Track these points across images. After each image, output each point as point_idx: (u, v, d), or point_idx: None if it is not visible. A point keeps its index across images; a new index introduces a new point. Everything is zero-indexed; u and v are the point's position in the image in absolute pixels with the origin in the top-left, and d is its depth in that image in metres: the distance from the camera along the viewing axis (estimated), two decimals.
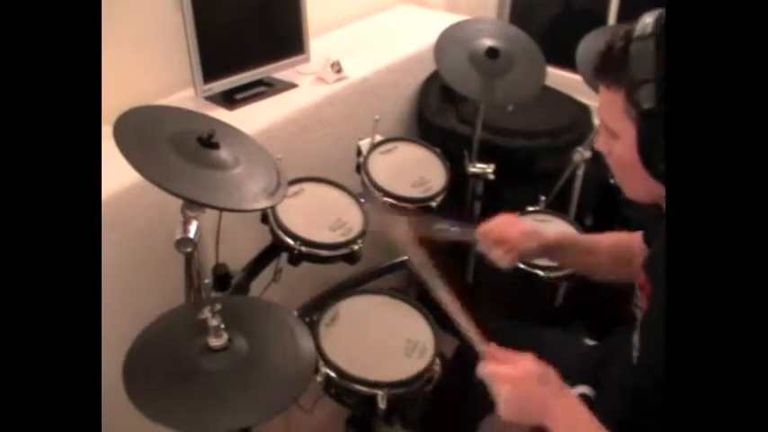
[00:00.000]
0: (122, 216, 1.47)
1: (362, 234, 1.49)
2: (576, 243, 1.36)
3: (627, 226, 1.92)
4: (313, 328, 1.36)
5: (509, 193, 2.00)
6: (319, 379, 1.30)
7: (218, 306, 1.08)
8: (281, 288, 1.60)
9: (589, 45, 1.76)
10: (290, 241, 1.41)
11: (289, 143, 1.82)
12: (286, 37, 1.96)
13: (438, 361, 1.35)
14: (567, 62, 1.80)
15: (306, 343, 1.15)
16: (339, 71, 1.98)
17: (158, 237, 1.47)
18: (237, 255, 1.56)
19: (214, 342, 1.08)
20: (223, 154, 1.20)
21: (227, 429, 1.03)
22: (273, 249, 1.54)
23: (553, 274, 1.59)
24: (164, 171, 1.09)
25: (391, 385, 1.26)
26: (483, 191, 1.96)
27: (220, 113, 1.76)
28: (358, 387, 1.27)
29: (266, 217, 1.46)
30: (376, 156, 1.72)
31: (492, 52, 1.78)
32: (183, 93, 1.82)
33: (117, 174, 1.24)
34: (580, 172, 1.87)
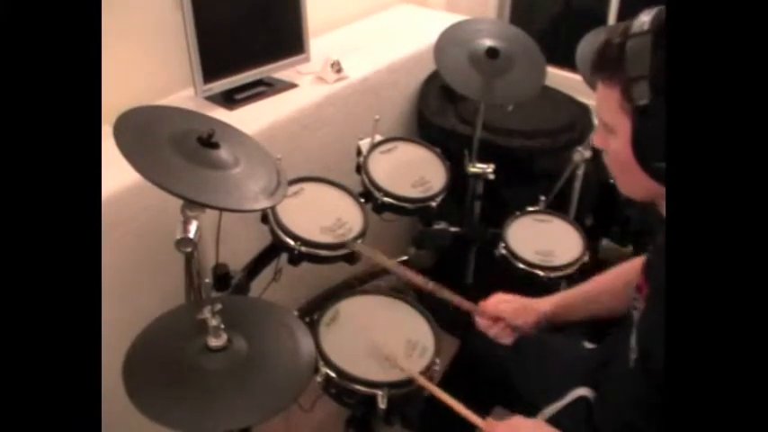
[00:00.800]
0: (122, 216, 1.47)
1: (362, 234, 1.50)
2: (573, 303, 1.33)
3: (627, 226, 1.93)
4: (313, 327, 1.36)
5: (509, 193, 2.00)
6: (319, 379, 1.29)
7: (218, 306, 1.08)
8: (281, 288, 1.60)
9: (589, 45, 1.76)
10: (290, 241, 1.41)
11: (289, 143, 1.82)
12: (286, 37, 1.96)
13: (438, 361, 1.35)
14: (567, 62, 1.80)
15: (306, 343, 1.15)
16: (339, 71, 1.98)
17: (158, 236, 1.47)
18: (237, 255, 1.56)
19: (214, 342, 1.08)
20: (223, 154, 1.20)
21: (227, 429, 1.03)
22: (273, 249, 1.54)
23: (553, 275, 1.59)
24: (164, 171, 1.08)
25: (391, 385, 1.26)
26: (483, 191, 1.96)
27: (220, 113, 1.76)
28: (358, 387, 1.27)
29: (266, 217, 1.46)
30: (376, 155, 1.72)
31: (492, 52, 1.78)
32: (183, 93, 1.82)
33: (117, 174, 1.24)
34: (580, 172, 1.87)
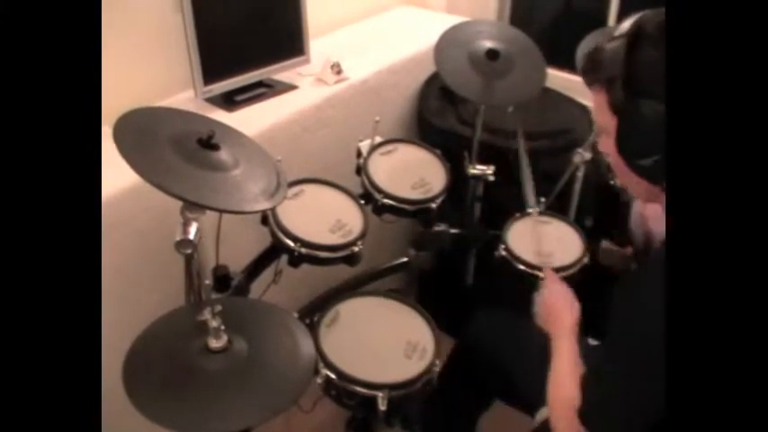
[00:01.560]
0: (122, 217, 1.47)
1: (362, 236, 1.49)
2: None
3: (626, 227, 1.93)
4: (313, 329, 1.36)
5: (509, 195, 2.00)
6: (319, 380, 1.30)
7: (219, 307, 1.08)
8: (282, 289, 1.60)
9: (589, 46, 1.75)
10: (290, 243, 1.41)
11: (289, 145, 1.82)
12: (286, 38, 1.96)
13: (438, 362, 1.35)
14: (567, 63, 1.80)
15: (306, 344, 1.15)
16: (339, 72, 1.99)
17: (158, 238, 1.47)
18: (237, 256, 1.56)
19: (214, 343, 1.08)
20: (223, 155, 1.20)
21: (227, 430, 1.02)
22: (273, 251, 1.54)
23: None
24: (164, 172, 1.08)
25: (391, 387, 1.26)
26: (483, 192, 1.96)
27: (220, 115, 1.76)
28: (358, 388, 1.27)
29: (266, 218, 1.46)
30: (376, 157, 1.72)
31: (492, 53, 1.78)
32: (183, 94, 1.82)
33: (117, 175, 1.24)
34: (580, 173, 1.87)
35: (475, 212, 1.99)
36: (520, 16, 2.82)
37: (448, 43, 1.81)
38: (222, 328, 1.08)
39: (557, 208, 1.85)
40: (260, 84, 1.92)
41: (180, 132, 1.19)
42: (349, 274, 1.69)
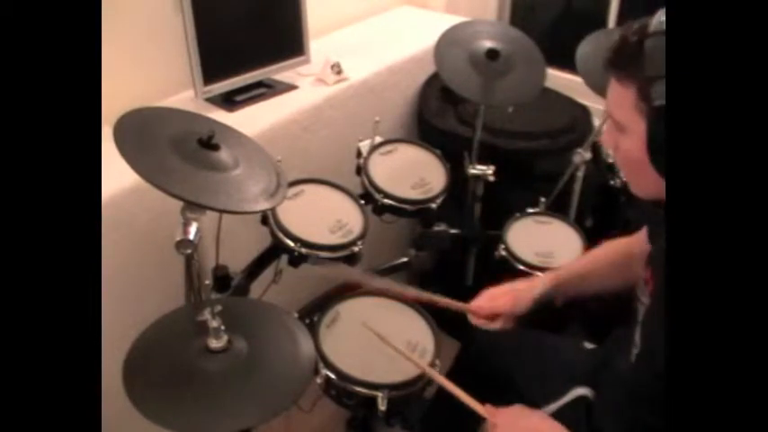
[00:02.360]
0: (122, 217, 1.47)
1: (362, 236, 1.50)
2: (568, 279, 1.35)
3: (627, 228, 1.93)
4: (313, 329, 1.36)
5: (509, 195, 2.00)
6: (319, 380, 1.29)
7: (219, 307, 1.08)
8: (282, 289, 1.60)
9: (589, 47, 1.76)
10: (291, 243, 1.41)
11: (289, 145, 1.82)
12: (286, 38, 1.96)
13: (438, 363, 1.35)
14: (567, 64, 1.80)
15: (306, 344, 1.15)
16: (339, 72, 1.99)
17: (158, 238, 1.47)
18: (238, 256, 1.56)
19: (214, 343, 1.08)
20: (223, 155, 1.20)
21: (227, 430, 1.02)
22: (273, 251, 1.54)
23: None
24: (164, 173, 1.09)
25: (391, 387, 1.26)
26: (483, 192, 1.96)
27: (220, 115, 1.76)
28: (358, 389, 1.27)
29: (266, 218, 1.46)
30: (376, 157, 1.72)
31: (492, 54, 1.78)
32: (183, 94, 1.82)
33: (117, 175, 1.24)
34: (580, 173, 1.87)
35: (475, 212, 1.99)
36: (520, 16, 2.82)
37: (448, 43, 1.81)
38: (222, 328, 1.08)
39: (557, 208, 1.85)
40: (260, 84, 1.92)
41: (180, 132, 1.19)
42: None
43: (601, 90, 1.51)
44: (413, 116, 2.33)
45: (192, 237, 1.15)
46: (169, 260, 1.27)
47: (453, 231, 1.88)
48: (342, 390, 1.28)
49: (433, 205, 1.66)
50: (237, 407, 1.02)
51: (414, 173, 1.73)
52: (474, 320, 1.36)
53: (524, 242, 1.68)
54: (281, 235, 1.43)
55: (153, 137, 1.15)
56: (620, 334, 1.18)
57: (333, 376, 1.28)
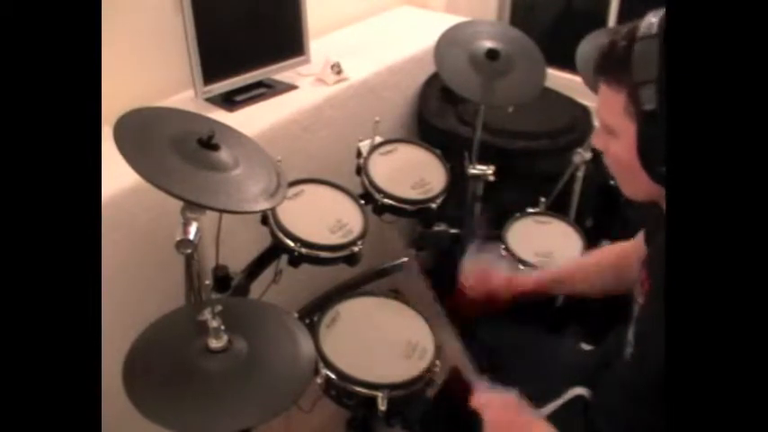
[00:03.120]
0: (122, 217, 1.47)
1: (362, 236, 1.49)
2: (543, 283, 1.37)
3: (626, 227, 1.93)
4: (313, 329, 1.36)
5: (509, 195, 2.00)
6: (319, 380, 1.29)
7: (219, 307, 1.08)
8: (282, 289, 1.60)
9: (589, 46, 1.76)
10: (291, 243, 1.41)
11: (289, 145, 1.82)
12: (286, 38, 1.96)
13: (438, 363, 1.35)
14: (567, 64, 1.80)
15: (306, 344, 1.15)
16: (339, 72, 1.99)
17: (158, 238, 1.47)
18: (237, 256, 1.56)
19: (214, 343, 1.08)
20: (223, 155, 1.20)
21: (227, 430, 1.03)
22: (273, 251, 1.54)
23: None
24: (164, 172, 1.09)
25: (391, 387, 1.26)
26: (483, 192, 1.96)
27: (220, 115, 1.76)
28: (358, 389, 1.27)
29: (266, 218, 1.46)
30: (376, 157, 1.72)
31: (492, 54, 1.78)
32: (183, 94, 1.82)
33: (117, 175, 1.24)
34: (580, 173, 1.87)
35: (475, 212, 1.99)
36: (520, 16, 2.82)
37: (448, 43, 1.81)
38: (222, 328, 1.08)
39: (557, 208, 1.85)
40: (260, 84, 1.92)
41: (180, 132, 1.19)
42: (349, 274, 1.69)
43: None
44: (413, 116, 2.33)
45: (192, 237, 1.15)
46: (169, 260, 1.27)
47: (453, 231, 1.88)
48: (342, 390, 1.28)
49: (433, 205, 1.66)
50: (237, 407, 1.02)
51: (414, 173, 1.73)
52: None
53: (524, 242, 1.68)
54: (281, 235, 1.42)
55: (153, 137, 1.15)
56: (616, 336, 1.18)
57: (333, 376, 1.28)
